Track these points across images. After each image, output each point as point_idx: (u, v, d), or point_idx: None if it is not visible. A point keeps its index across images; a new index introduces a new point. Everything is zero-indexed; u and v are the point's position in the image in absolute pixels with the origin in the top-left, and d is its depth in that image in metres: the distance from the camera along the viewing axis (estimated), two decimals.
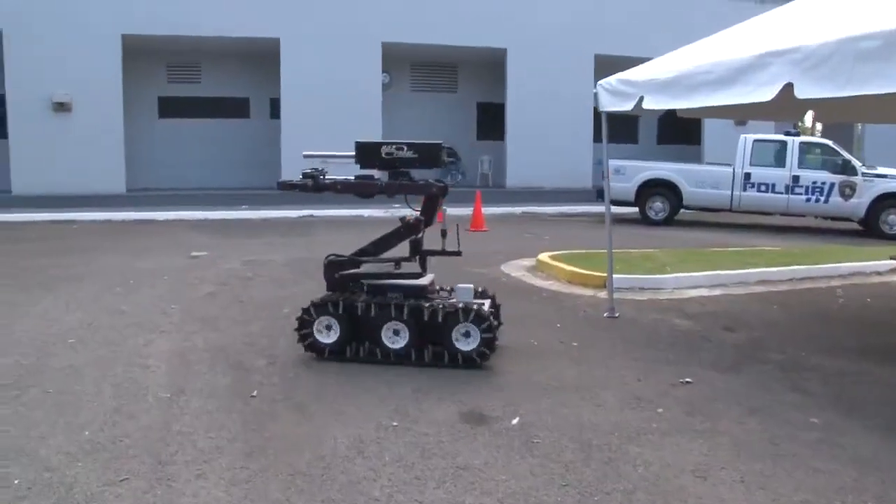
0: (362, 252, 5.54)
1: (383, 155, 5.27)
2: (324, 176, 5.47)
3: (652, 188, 16.39)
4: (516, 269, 9.87)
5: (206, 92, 21.46)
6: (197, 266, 9.79)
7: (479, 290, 5.82)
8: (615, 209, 17.89)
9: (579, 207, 19.56)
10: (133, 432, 4.01)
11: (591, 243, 11.90)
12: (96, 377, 4.95)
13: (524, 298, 7.98)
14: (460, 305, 5.22)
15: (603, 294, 8.17)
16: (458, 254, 5.55)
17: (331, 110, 19.21)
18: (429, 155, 5.30)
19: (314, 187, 5.43)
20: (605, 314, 7.17)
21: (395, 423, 4.20)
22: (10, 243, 12.43)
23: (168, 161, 20.82)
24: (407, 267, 5.54)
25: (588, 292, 8.34)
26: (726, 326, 6.78)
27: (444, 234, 5.46)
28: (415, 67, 22.82)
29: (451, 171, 22.82)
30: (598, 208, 18.76)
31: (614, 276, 8.30)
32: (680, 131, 23.31)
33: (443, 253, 5.52)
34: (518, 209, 18.92)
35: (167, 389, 4.71)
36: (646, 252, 10.70)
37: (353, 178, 5.53)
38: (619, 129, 24.00)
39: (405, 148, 5.23)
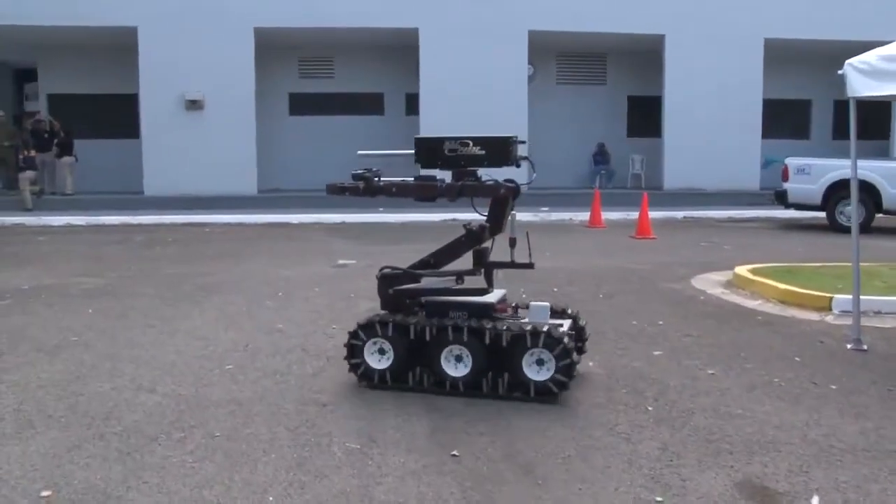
0: (422, 264, 5.02)
1: (446, 152, 4.77)
2: (378, 177, 4.97)
3: (843, 190, 14.87)
4: (710, 284, 8.86)
5: (338, 87, 21.18)
6: (347, 276, 9.24)
7: (560, 308, 5.21)
8: (795, 214, 16.63)
9: (749, 212, 18.21)
10: (327, 499, 3.33)
11: (783, 255, 10.76)
12: (267, 417, 4.34)
13: (736, 323, 6.99)
14: (543, 328, 4.58)
15: (831, 318, 7.16)
16: (529, 266, 4.94)
17: (472, 105, 18.52)
18: (498, 151, 4.76)
19: (366, 190, 4.95)
20: (848, 346, 6.10)
21: (658, 499, 3.36)
22: (148, 248, 12.32)
23: (299, 160, 20.60)
24: (474, 281, 4.90)
25: (811, 316, 7.26)
26: None
27: (512, 243, 4.85)
28: (561, 58, 21.86)
29: (600, 170, 21.82)
30: (773, 213, 17.42)
31: (845, 296, 7.29)
32: (861, 124, 21.41)
33: (512, 265, 4.90)
34: (679, 213, 17.73)
35: (355, 438, 4.02)
36: (864, 266, 9.43)
37: (412, 179, 5.01)
38: (788, 124, 22.41)
39: (471, 144, 4.73)
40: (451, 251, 4.98)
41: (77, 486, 3.46)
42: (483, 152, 4.74)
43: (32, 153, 18.75)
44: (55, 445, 3.93)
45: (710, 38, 19.81)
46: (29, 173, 18.16)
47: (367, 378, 4.82)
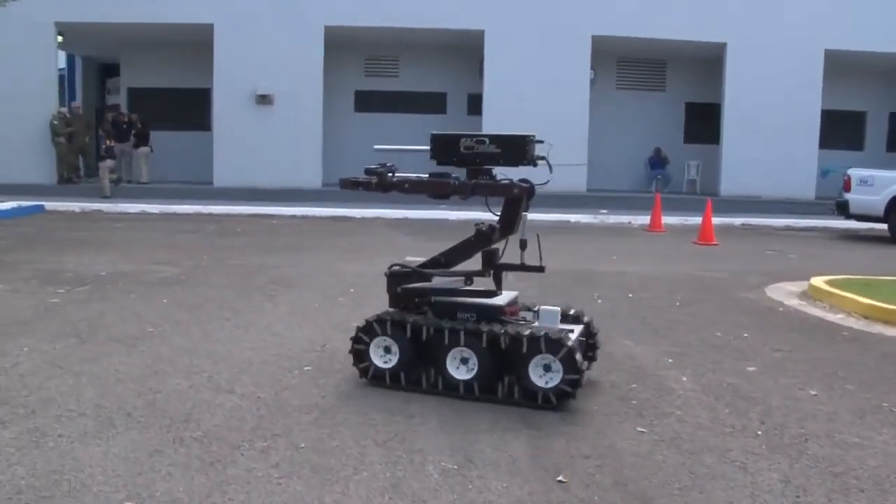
0: (433, 263, 4.72)
1: (462, 149, 4.49)
2: (393, 173, 4.68)
3: None
4: (786, 295, 8.25)
5: (402, 86, 20.79)
6: None
7: (571, 312, 4.81)
8: (853, 225, 15.79)
9: (806, 220, 17.39)
10: None
11: (848, 266, 10.10)
12: (353, 427, 3.90)
13: (822, 338, 6.39)
14: (550, 333, 4.22)
15: None
16: (539, 269, 4.58)
17: (535, 107, 17.98)
18: (514, 149, 4.44)
19: (379, 185, 4.66)
20: None
21: None
22: (218, 237, 12.06)
23: (362, 156, 20.23)
24: (485, 283, 4.59)
25: None
26: None
27: (523, 245, 4.44)
28: (621, 64, 21.18)
29: (656, 175, 21.14)
30: (830, 223, 16.61)
31: None
32: None
33: (522, 268, 4.54)
34: (736, 220, 16.98)
35: (450, 456, 3.57)
36: None
37: (426, 175, 4.70)
38: (842, 135, 21.47)
39: (487, 141, 4.44)
40: (461, 251, 4.68)
41: (160, 498, 3.06)
42: (498, 150, 4.43)
43: (112, 143, 18.71)
44: (136, 449, 3.54)
45: (772, 47, 19.01)
46: (109, 162, 18.10)
47: (373, 377, 4.56)
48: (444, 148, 4.57)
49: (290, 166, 18.37)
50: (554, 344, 4.16)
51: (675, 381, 4.89)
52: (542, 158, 4.48)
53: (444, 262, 4.70)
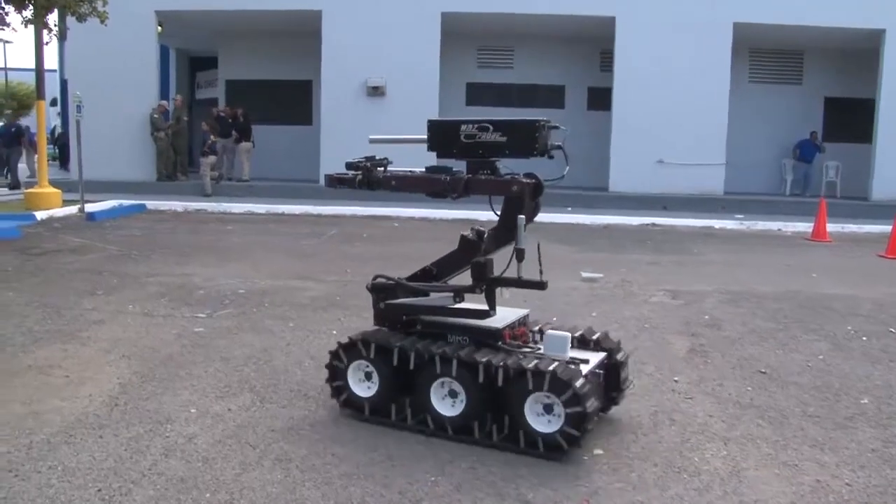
0: (422, 274, 4.05)
1: (462, 138, 3.84)
2: (385, 167, 4.13)
3: None
4: None
5: (517, 79, 19.33)
6: (606, 295, 7.33)
7: (593, 337, 3.90)
8: None
9: None
10: None
11: None
12: None
13: None
14: (551, 365, 3.39)
15: None
16: (540, 286, 3.71)
17: (668, 101, 16.42)
18: (522, 137, 3.74)
19: (363, 182, 4.11)
20: None
21: None
22: (344, 243, 10.80)
23: None
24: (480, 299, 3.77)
25: None
26: None
27: (520, 256, 3.62)
28: (755, 54, 19.26)
29: (796, 176, 19.27)
30: None
31: None
32: None
33: (519, 283, 3.68)
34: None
35: None
36: None
37: (422, 169, 4.06)
38: None
39: (491, 128, 3.78)
40: (449, 263, 4.00)
41: None
42: (504, 139, 3.76)
43: (216, 139, 17.70)
44: None
45: None
46: (211, 158, 17.11)
47: (353, 407, 3.89)
48: (442, 137, 3.94)
49: (403, 164, 17.03)
50: (552, 379, 3.32)
51: None
52: (559, 147, 3.79)
53: (435, 273, 4.04)
